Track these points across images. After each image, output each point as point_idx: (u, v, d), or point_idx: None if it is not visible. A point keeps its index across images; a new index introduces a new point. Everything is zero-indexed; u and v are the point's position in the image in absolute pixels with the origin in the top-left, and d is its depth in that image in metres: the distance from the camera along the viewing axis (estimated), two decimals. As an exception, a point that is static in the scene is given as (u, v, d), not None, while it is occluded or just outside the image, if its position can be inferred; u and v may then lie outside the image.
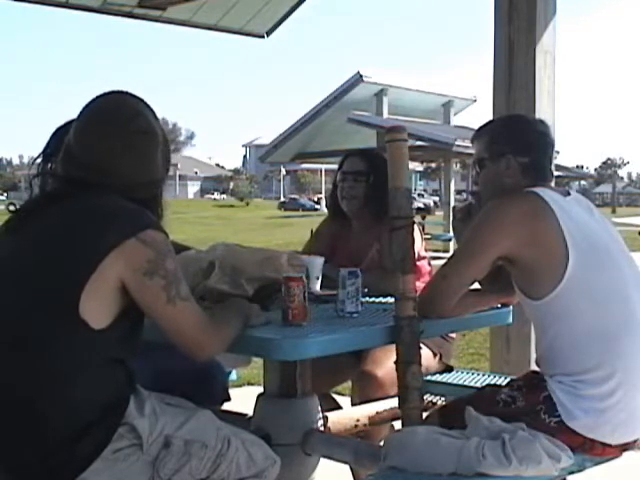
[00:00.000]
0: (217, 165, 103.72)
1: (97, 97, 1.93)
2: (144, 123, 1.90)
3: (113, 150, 1.85)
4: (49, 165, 2.53)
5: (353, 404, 2.88)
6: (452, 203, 17.81)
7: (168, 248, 1.81)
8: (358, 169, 3.11)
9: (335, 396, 3.18)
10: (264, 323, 2.08)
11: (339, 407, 3.00)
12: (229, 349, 1.96)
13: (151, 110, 1.95)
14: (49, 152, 2.61)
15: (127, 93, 1.96)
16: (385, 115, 17.05)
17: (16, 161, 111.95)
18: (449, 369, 3.08)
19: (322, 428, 2.43)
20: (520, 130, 2.38)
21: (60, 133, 2.55)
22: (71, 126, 1.91)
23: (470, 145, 2.49)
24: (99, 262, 1.72)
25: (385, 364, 2.67)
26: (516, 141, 2.33)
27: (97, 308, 1.73)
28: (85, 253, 1.74)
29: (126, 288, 1.76)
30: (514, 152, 2.31)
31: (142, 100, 1.96)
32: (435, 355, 2.99)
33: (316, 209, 49.57)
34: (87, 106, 1.91)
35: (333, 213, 3.28)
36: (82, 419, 1.71)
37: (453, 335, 3.09)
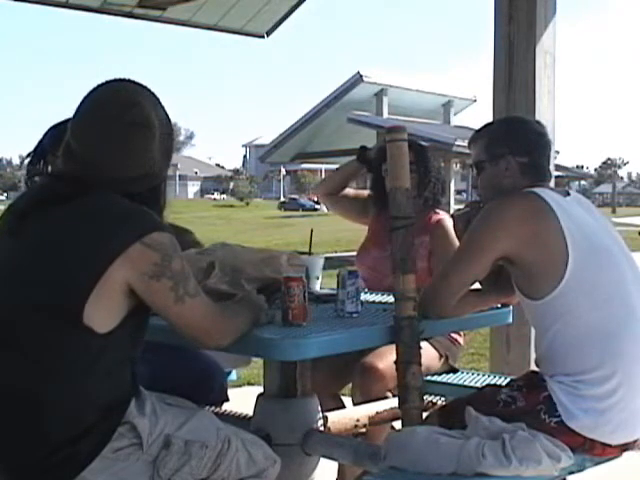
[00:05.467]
0: (217, 165, 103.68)
1: (96, 87, 1.87)
2: (139, 114, 1.82)
3: (105, 143, 1.80)
4: (42, 163, 2.51)
5: (354, 401, 2.87)
6: (452, 203, 17.81)
7: (174, 248, 1.79)
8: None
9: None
10: (270, 319, 2.08)
11: (345, 408, 2.99)
12: (230, 349, 1.96)
13: (152, 98, 1.88)
14: (41, 150, 2.59)
15: (126, 80, 1.89)
16: (385, 115, 17.07)
17: (16, 161, 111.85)
18: (454, 371, 3.07)
19: (322, 428, 2.43)
20: (518, 131, 2.38)
21: (56, 131, 2.53)
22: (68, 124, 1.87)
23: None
24: (105, 270, 1.70)
25: (386, 357, 2.66)
26: (514, 142, 2.32)
27: (102, 314, 1.71)
28: (89, 260, 1.72)
29: (133, 291, 1.75)
30: (513, 153, 2.30)
31: (142, 87, 1.89)
32: (441, 357, 2.97)
33: (316, 209, 49.39)
34: (86, 97, 1.86)
35: (381, 206, 3.07)
36: (83, 420, 1.71)
37: (461, 340, 3.08)
